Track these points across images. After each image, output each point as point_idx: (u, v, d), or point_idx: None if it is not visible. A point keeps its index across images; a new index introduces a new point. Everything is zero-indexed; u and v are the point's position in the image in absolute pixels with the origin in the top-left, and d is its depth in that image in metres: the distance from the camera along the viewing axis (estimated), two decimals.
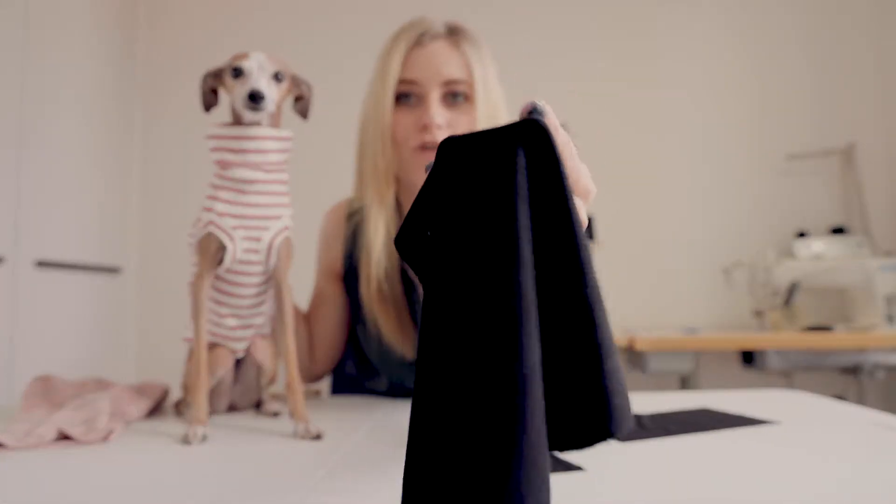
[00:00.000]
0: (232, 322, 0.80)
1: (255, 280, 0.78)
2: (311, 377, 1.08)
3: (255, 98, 0.68)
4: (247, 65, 0.71)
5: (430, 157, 0.85)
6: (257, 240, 0.73)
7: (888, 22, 2.73)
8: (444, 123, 0.87)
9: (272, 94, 0.71)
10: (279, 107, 0.76)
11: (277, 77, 0.72)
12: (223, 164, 0.73)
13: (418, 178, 0.89)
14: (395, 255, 0.91)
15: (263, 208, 0.73)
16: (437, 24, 0.92)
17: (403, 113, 0.90)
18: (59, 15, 2.30)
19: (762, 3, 2.81)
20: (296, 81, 0.77)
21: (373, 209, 0.92)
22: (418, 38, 0.89)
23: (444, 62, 0.88)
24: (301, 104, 0.80)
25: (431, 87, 0.87)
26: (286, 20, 2.87)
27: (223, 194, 0.73)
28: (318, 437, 0.67)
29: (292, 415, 0.70)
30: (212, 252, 0.72)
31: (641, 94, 2.78)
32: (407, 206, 1.00)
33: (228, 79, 0.72)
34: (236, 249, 0.73)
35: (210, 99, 0.77)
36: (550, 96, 2.50)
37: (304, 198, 2.12)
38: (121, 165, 2.75)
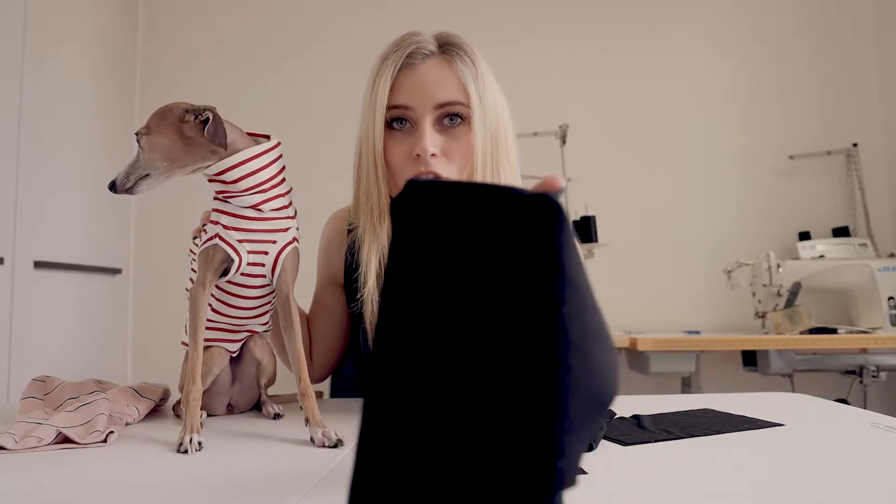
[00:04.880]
0: (225, 328, 0.81)
1: (257, 293, 0.78)
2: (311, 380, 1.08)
3: (110, 186, 0.72)
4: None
5: None
6: (264, 253, 0.74)
7: (890, 22, 2.72)
8: (439, 151, 0.82)
9: (137, 164, 0.72)
10: (219, 134, 0.70)
11: (138, 141, 0.71)
12: (223, 194, 0.73)
13: None
14: None
15: (270, 222, 0.73)
16: (428, 40, 0.86)
17: (397, 140, 0.85)
18: (59, 16, 2.30)
19: (764, 4, 2.80)
20: (192, 112, 0.71)
21: (365, 241, 0.89)
22: (407, 58, 0.84)
23: (435, 84, 0.83)
24: (209, 128, 0.71)
25: (424, 113, 0.82)
26: (286, 20, 2.87)
27: (228, 210, 0.73)
28: (338, 444, 0.65)
29: (308, 421, 0.69)
30: (216, 263, 0.72)
31: (643, 95, 2.78)
32: None
33: None
34: (242, 262, 0.73)
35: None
36: (553, 99, 2.50)
37: (307, 198, 2.11)
38: (119, 167, 2.74)
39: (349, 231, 0.99)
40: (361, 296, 0.91)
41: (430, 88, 0.82)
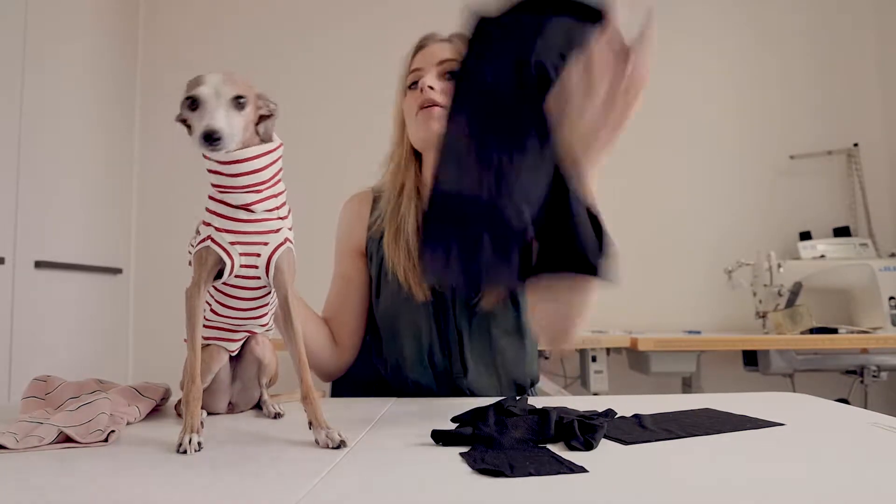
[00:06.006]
0: (225, 327, 0.81)
1: (253, 294, 0.77)
2: (337, 369, 1.12)
3: (209, 138, 0.62)
4: (202, 92, 0.65)
5: (429, 115, 1.02)
6: (256, 255, 0.73)
7: (890, 23, 2.72)
8: (438, 88, 1.03)
9: (234, 125, 0.65)
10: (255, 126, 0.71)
11: (239, 102, 0.66)
12: (219, 188, 0.72)
13: (423, 135, 1.05)
14: (411, 211, 1.06)
15: (261, 223, 0.72)
16: (441, 34, 1.09)
17: (410, 94, 1.07)
18: (59, 16, 2.30)
19: (765, 5, 2.80)
20: (263, 100, 0.72)
21: (392, 170, 1.10)
22: (423, 41, 1.09)
23: (440, 51, 1.06)
24: (264, 124, 0.72)
25: (429, 69, 1.05)
26: (287, 18, 2.87)
27: (221, 212, 0.72)
28: (341, 444, 0.65)
29: (312, 424, 0.69)
30: (210, 265, 0.72)
31: (645, 97, 2.77)
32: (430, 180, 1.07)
33: (185, 111, 0.66)
34: (234, 265, 0.72)
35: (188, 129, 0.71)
36: None
37: (307, 195, 2.11)
38: (120, 167, 2.75)
39: (373, 203, 1.14)
40: (379, 262, 1.08)
41: (435, 53, 1.07)
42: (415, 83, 1.06)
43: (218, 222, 0.72)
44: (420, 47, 1.09)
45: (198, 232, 0.75)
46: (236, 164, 0.69)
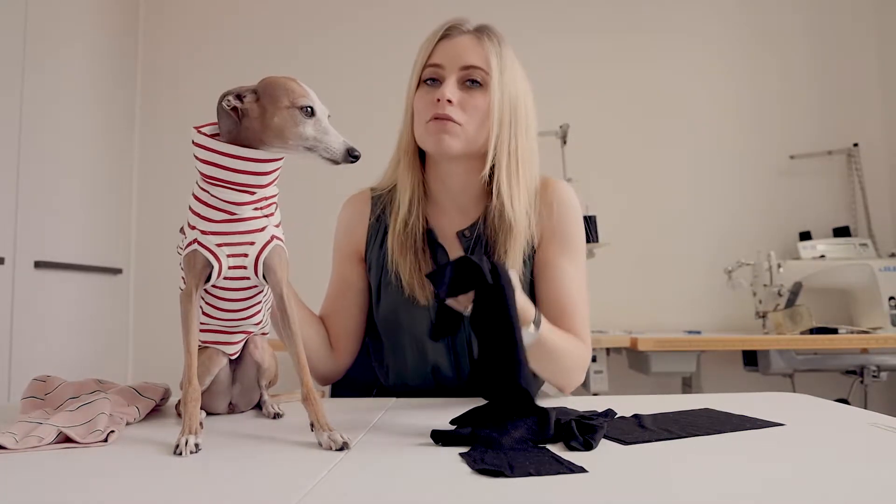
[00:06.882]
0: (220, 329, 0.81)
1: (244, 295, 0.77)
2: (334, 373, 1.09)
3: (356, 157, 0.70)
4: (318, 106, 0.71)
5: (442, 128, 0.96)
6: (244, 255, 0.72)
7: (890, 22, 2.72)
8: (456, 101, 0.96)
9: None
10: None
11: (328, 118, 0.73)
12: (210, 181, 0.70)
13: (432, 147, 0.99)
14: (419, 213, 1.03)
15: (246, 223, 0.72)
16: (467, 22, 1.02)
17: (424, 92, 1.00)
18: (60, 16, 2.30)
19: (765, 5, 2.80)
20: None
21: (400, 170, 1.04)
22: (448, 31, 1.01)
23: (465, 51, 0.98)
24: None
25: (451, 71, 0.98)
26: (286, 18, 2.87)
27: (206, 212, 0.71)
28: (344, 446, 0.65)
29: (314, 426, 0.68)
30: (198, 269, 0.71)
31: (644, 96, 2.78)
32: (432, 185, 1.06)
33: (296, 114, 0.69)
34: (222, 267, 0.72)
35: (230, 122, 0.70)
36: (554, 99, 2.50)
37: (308, 194, 2.11)
38: (120, 167, 2.75)
39: (374, 205, 1.09)
40: (379, 266, 1.03)
41: (459, 52, 0.98)
42: (431, 80, 0.99)
43: (203, 225, 0.71)
44: (444, 37, 1.00)
45: (183, 233, 0.74)
46: (246, 162, 0.69)
